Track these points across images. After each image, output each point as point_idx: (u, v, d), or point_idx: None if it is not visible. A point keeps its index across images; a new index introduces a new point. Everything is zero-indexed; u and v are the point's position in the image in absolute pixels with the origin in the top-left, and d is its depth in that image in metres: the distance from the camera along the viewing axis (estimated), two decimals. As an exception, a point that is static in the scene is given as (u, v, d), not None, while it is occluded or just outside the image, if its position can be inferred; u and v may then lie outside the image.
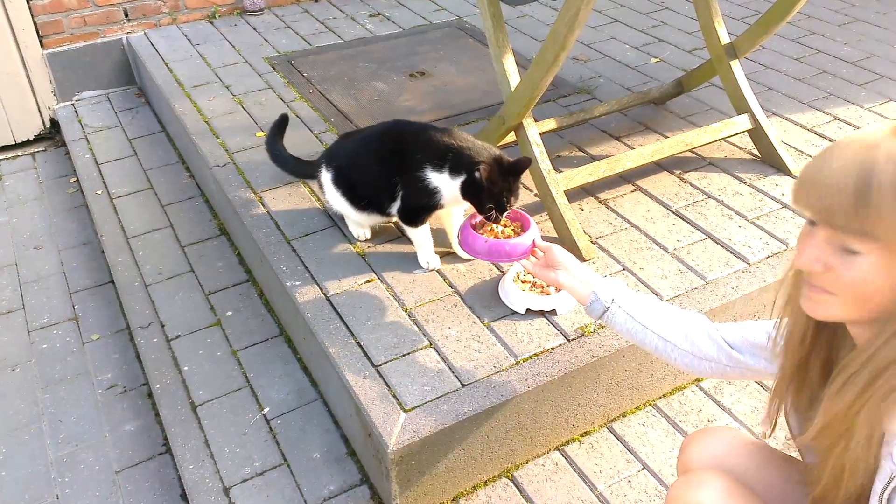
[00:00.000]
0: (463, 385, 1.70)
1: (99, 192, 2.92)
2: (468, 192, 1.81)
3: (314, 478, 1.80)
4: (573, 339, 1.80)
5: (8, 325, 2.44)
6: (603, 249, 2.09)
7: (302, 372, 2.08)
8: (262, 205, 2.32)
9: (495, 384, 1.70)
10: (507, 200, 1.78)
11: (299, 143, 2.62)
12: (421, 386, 1.69)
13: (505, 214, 1.81)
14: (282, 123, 2.39)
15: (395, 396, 1.68)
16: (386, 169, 1.95)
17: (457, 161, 1.83)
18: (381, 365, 1.75)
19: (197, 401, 2.01)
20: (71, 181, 3.18)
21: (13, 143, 3.45)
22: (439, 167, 1.85)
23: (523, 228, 1.85)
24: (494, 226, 1.84)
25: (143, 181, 2.96)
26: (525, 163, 1.79)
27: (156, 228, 2.69)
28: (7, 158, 3.39)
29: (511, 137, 2.20)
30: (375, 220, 2.09)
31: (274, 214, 2.27)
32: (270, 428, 1.93)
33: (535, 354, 1.77)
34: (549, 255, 1.61)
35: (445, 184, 1.86)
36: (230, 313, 2.29)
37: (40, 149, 3.46)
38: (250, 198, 2.35)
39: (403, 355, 1.77)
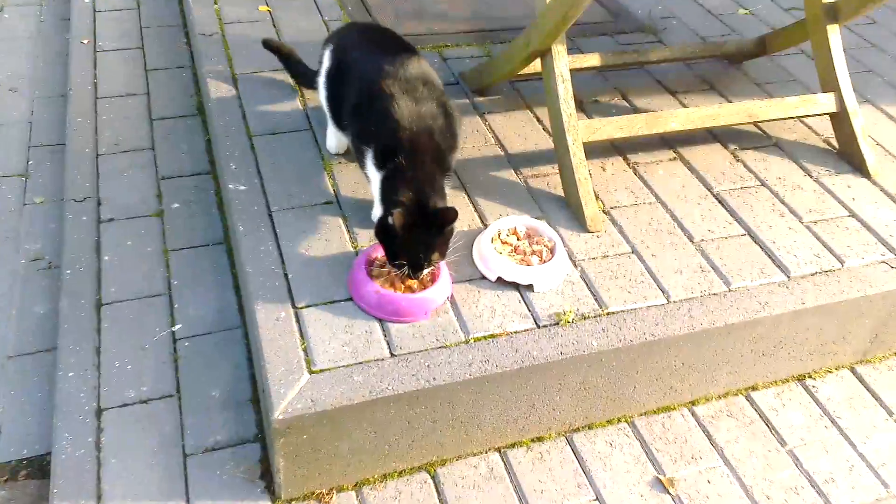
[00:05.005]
0: (392, 355, 1.37)
1: (85, 41, 2.60)
2: (380, 232, 1.40)
3: (204, 420, 1.51)
4: (544, 326, 1.45)
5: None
6: (614, 223, 1.70)
7: (232, 291, 1.77)
8: (236, 87, 1.98)
9: (432, 362, 1.36)
10: (426, 258, 1.37)
11: (305, 28, 2.25)
12: (340, 344, 1.37)
13: (423, 274, 1.40)
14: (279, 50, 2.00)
15: (305, 350, 1.36)
16: (351, 101, 1.59)
17: (389, 180, 1.43)
18: (302, 308, 1.43)
19: (105, 298, 1.73)
20: (68, 25, 2.88)
21: (20, -27, 3.13)
22: (378, 165, 1.47)
23: (432, 278, 1.45)
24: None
25: (135, 39, 2.63)
26: (452, 214, 1.36)
27: (130, 93, 2.37)
28: (11, -11, 3.09)
29: (535, 67, 1.80)
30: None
31: (245, 101, 1.93)
32: (175, 349, 1.63)
33: (492, 335, 1.42)
34: None
35: (375, 182, 1.48)
36: (177, 205, 1.99)
37: (49, -14, 3.15)
38: (225, 76, 2.02)
39: (332, 302, 1.44)
